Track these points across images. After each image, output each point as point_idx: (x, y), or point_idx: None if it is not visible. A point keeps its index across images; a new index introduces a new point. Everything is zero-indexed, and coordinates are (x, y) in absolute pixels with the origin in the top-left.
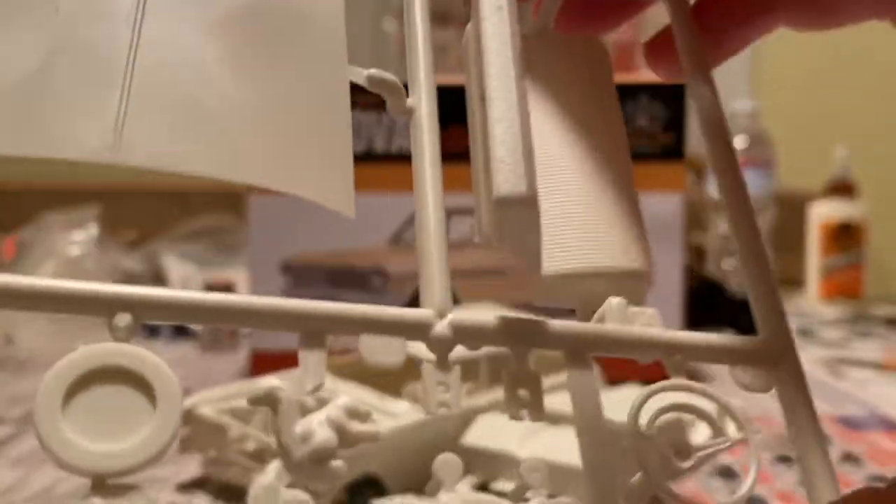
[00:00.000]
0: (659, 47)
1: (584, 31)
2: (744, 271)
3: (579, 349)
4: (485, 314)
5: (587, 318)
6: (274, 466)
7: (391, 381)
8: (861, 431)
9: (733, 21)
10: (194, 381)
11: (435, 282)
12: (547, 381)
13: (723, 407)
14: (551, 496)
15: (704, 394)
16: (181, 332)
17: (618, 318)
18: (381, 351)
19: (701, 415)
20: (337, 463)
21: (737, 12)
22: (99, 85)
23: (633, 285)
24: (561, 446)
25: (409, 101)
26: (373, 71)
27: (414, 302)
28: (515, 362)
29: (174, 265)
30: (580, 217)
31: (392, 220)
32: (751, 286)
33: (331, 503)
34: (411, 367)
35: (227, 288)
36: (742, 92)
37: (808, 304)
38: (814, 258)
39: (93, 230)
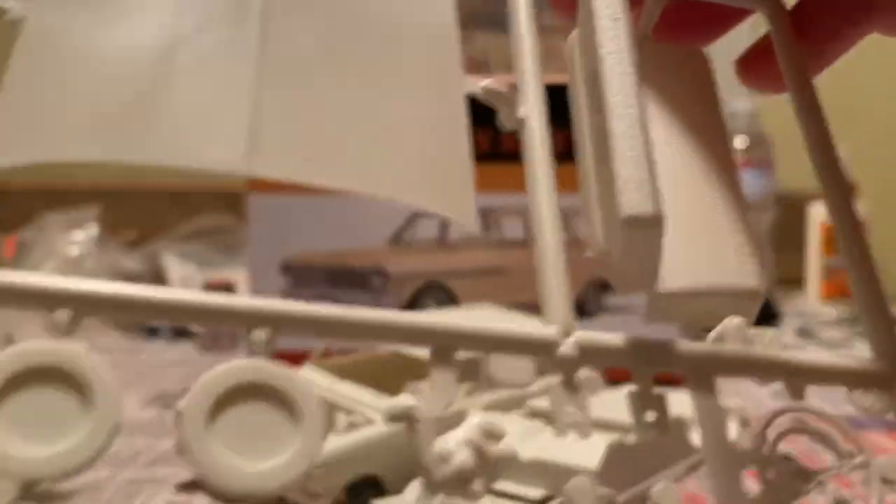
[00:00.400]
0: (754, 61)
1: (683, 42)
2: (856, 292)
3: (704, 371)
4: (612, 335)
5: (695, 337)
6: (414, 485)
7: (391, 380)
8: (862, 431)
9: (831, 29)
10: (194, 381)
11: (556, 296)
12: (545, 381)
13: (842, 431)
14: (552, 497)
15: (825, 417)
16: (181, 332)
17: (738, 339)
18: (510, 369)
19: (823, 438)
20: (478, 484)
21: (835, 21)
22: (227, 92)
23: (747, 304)
24: (560, 446)
25: (521, 112)
26: (488, 82)
27: (414, 302)
28: (640, 384)
29: (174, 265)
30: (696, 232)
31: (392, 220)
32: (864, 308)
33: None
34: (411, 367)
35: (227, 288)
36: (742, 92)
37: (809, 305)
38: (814, 258)
39: (93, 230)
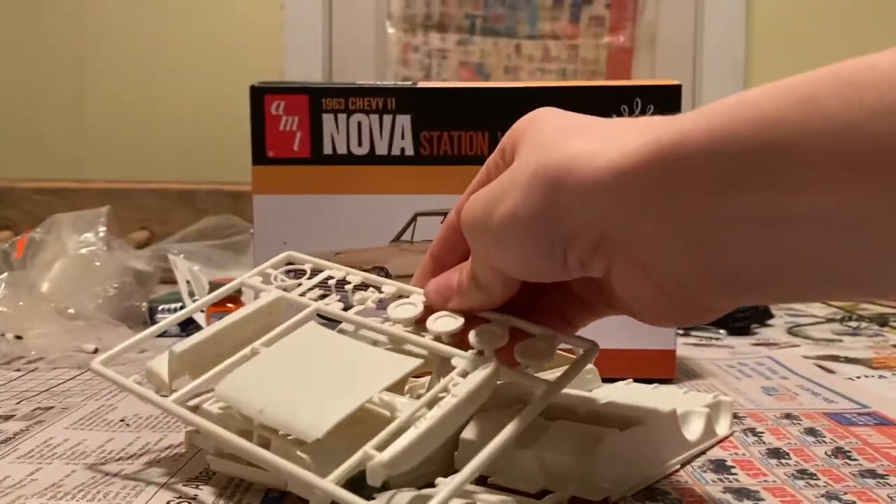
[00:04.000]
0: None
1: None
2: None
3: None
4: None
5: None
6: None
7: None
8: (852, 427)
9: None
10: None
11: None
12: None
13: None
14: (549, 491)
15: None
16: (189, 331)
17: None
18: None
19: None
20: None
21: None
22: None
23: None
24: (558, 442)
25: None
26: None
27: None
28: None
29: (181, 265)
30: None
31: (393, 219)
32: None
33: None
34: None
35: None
36: (738, 92)
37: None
38: None
39: (102, 230)
